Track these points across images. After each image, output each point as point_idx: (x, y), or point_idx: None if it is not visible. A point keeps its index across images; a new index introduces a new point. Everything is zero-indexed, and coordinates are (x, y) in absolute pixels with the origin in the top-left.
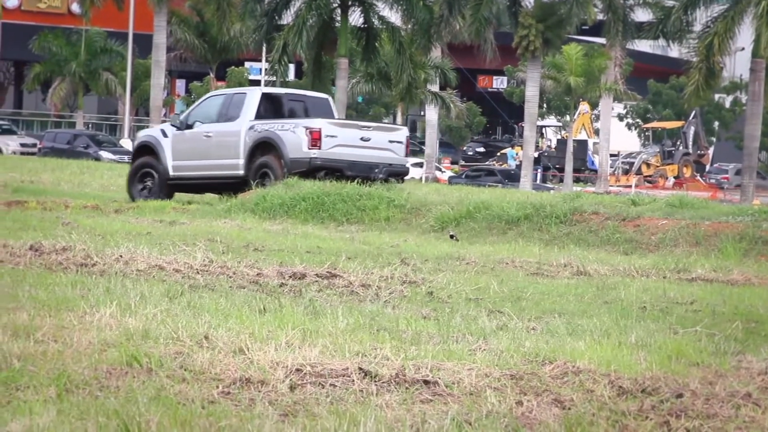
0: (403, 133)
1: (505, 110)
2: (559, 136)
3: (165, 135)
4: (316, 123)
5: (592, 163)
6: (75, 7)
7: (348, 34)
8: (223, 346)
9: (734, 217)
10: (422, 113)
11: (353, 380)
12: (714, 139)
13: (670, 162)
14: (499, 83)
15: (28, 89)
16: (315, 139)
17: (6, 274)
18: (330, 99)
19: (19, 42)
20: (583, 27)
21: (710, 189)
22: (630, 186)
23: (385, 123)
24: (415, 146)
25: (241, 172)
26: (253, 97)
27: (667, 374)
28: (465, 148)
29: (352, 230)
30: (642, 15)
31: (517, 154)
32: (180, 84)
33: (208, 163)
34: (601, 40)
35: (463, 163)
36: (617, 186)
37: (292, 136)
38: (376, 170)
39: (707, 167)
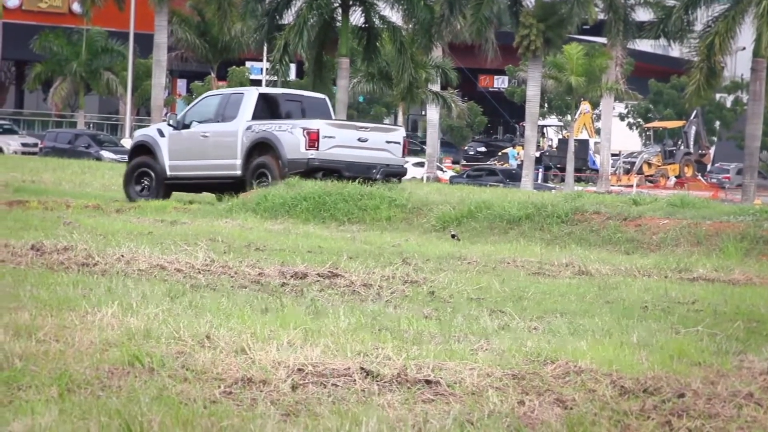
0: (400, 133)
1: (506, 110)
2: (560, 136)
3: (162, 135)
4: (313, 124)
5: (594, 162)
6: (76, 7)
7: (349, 33)
8: (224, 346)
9: (735, 216)
10: (423, 113)
11: (355, 380)
12: (715, 139)
13: (671, 162)
14: (500, 83)
15: (29, 89)
16: (313, 139)
17: (7, 273)
18: (327, 99)
19: (20, 42)
20: (584, 26)
21: (712, 189)
22: (631, 185)
23: (382, 123)
24: (417, 146)
25: (239, 172)
26: (250, 97)
27: (668, 374)
28: (466, 148)
29: (354, 230)
30: (643, 14)
31: (518, 154)
32: (181, 84)
33: (205, 163)
34: (602, 40)
35: (464, 162)
36: (618, 186)
37: (290, 136)
38: (374, 171)
39: (708, 167)
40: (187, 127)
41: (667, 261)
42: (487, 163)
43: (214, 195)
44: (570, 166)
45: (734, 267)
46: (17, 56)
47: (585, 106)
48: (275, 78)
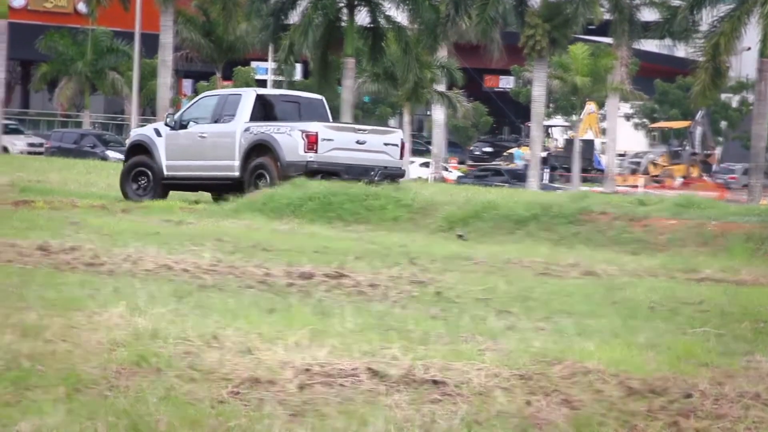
0: (398, 135)
1: (512, 110)
2: (565, 136)
3: (158, 134)
4: (312, 127)
5: (599, 162)
6: (81, 7)
7: (354, 33)
8: (231, 346)
9: (742, 217)
10: (428, 113)
11: (362, 380)
12: (721, 139)
13: (677, 162)
14: (506, 83)
15: (35, 89)
16: (311, 142)
17: (15, 273)
18: (324, 100)
19: (26, 42)
20: (590, 27)
21: (719, 189)
22: (637, 186)
23: (379, 126)
24: (422, 146)
25: (236, 173)
26: (247, 98)
27: (676, 374)
28: (472, 148)
29: (360, 230)
30: (648, 15)
31: (524, 154)
32: (187, 83)
33: (203, 164)
34: (608, 40)
35: (470, 162)
36: (624, 186)
37: (289, 139)
38: (372, 173)
39: (714, 167)
40: (184, 127)
41: (674, 261)
42: (493, 163)
43: (211, 194)
44: (576, 167)
45: (741, 267)
46: (23, 56)
47: (590, 107)
48: (281, 78)
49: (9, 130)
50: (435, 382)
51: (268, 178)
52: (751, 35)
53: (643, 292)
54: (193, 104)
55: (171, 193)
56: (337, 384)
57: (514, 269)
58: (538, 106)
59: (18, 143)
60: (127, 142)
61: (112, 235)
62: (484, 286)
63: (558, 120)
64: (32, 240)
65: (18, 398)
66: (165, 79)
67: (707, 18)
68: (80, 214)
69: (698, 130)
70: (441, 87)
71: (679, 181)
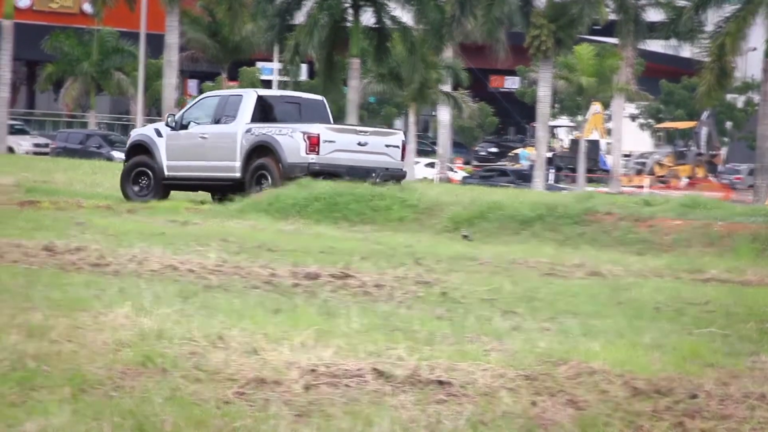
0: (399, 137)
1: (517, 110)
2: (571, 137)
3: (159, 135)
4: (314, 128)
5: (605, 163)
6: (87, 7)
7: (360, 34)
8: (237, 347)
9: (747, 217)
10: (434, 113)
11: (368, 380)
12: (727, 140)
13: (682, 162)
14: (511, 83)
15: (41, 89)
16: (313, 144)
17: (20, 274)
18: (325, 101)
19: (31, 42)
20: (595, 27)
21: (724, 189)
22: (642, 186)
23: (380, 127)
24: (428, 146)
25: (238, 174)
26: (248, 99)
27: (681, 375)
28: (477, 149)
29: (366, 230)
30: (654, 15)
31: (529, 155)
32: (192, 84)
33: (204, 164)
34: (613, 40)
35: (475, 163)
36: (630, 186)
37: (290, 140)
38: (373, 174)
39: (720, 167)
40: (185, 127)
41: (680, 262)
42: (499, 163)
43: (211, 195)
44: (581, 167)
45: (746, 268)
46: (28, 56)
47: (596, 107)
48: (286, 78)
49: (14, 131)
50: (440, 382)
51: (269, 179)
52: (756, 35)
53: (649, 293)
54: (193, 105)
55: (176, 193)
56: (342, 384)
57: (519, 270)
58: (543, 107)
59: (23, 144)
60: (128, 142)
61: (118, 235)
62: (490, 286)
63: (563, 120)
64: (38, 240)
65: (23, 398)
66: (170, 80)
67: (713, 18)
68: (86, 215)
69: (704, 131)
70: (446, 87)
71: (684, 181)
